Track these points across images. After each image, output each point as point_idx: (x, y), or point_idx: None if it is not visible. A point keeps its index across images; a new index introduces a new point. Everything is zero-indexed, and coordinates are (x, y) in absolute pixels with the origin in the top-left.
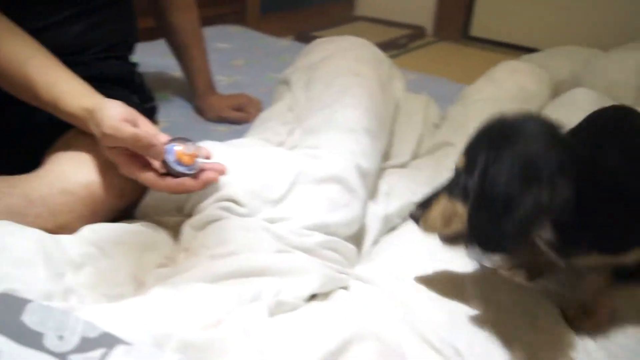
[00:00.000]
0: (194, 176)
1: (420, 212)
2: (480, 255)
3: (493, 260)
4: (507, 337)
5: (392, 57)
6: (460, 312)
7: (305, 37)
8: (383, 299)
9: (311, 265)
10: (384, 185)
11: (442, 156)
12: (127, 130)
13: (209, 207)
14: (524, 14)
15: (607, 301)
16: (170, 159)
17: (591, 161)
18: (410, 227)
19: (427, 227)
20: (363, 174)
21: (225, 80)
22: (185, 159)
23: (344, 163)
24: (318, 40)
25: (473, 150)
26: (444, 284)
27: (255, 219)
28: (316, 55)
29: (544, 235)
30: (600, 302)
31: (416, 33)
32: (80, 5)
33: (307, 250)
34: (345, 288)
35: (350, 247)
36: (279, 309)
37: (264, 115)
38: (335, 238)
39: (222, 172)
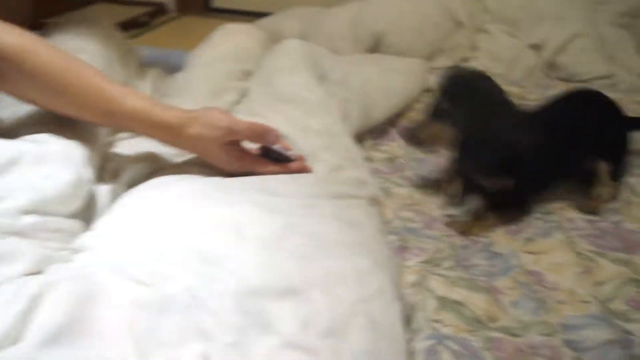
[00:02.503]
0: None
1: (414, 133)
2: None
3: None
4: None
5: (134, 35)
6: (171, 247)
7: (38, 25)
8: (94, 259)
9: (22, 248)
10: (111, 162)
11: None
12: (242, 121)
13: None
14: None
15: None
16: (277, 146)
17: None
18: (131, 192)
19: (420, 142)
20: (87, 156)
21: None
22: (288, 146)
23: (65, 147)
24: (52, 22)
25: (451, 94)
26: (155, 230)
27: None
28: (42, 36)
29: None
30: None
31: (158, 10)
32: None
33: (20, 234)
34: (67, 262)
35: (73, 223)
36: None
37: None
38: (53, 218)
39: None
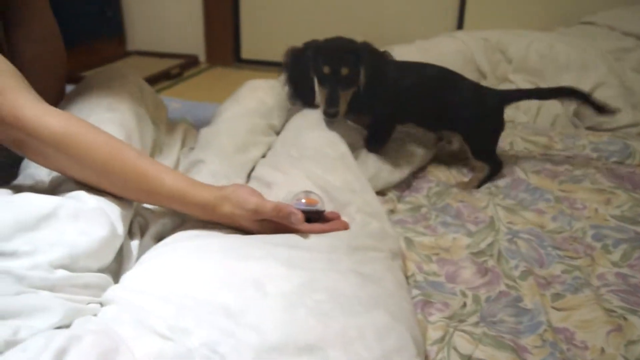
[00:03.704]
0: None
1: (335, 109)
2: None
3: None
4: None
5: (166, 87)
6: (192, 301)
7: (74, 78)
8: (118, 312)
9: (53, 302)
10: (140, 217)
11: (194, 173)
12: (268, 204)
13: None
14: (285, 33)
15: None
16: (302, 208)
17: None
18: (156, 246)
19: (341, 113)
20: (121, 212)
21: None
22: (313, 201)
23: (100, 203)
24: (86, 77)
25: (350, 63)
26: (177, 283)
27: None
28: (76, 92)
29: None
30: None
31: (189, 62)
32: None
33: (52, 288)
34: (95, 315)
35: (103, 277)
36: (11, 346)
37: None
38: (84, 273)
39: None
